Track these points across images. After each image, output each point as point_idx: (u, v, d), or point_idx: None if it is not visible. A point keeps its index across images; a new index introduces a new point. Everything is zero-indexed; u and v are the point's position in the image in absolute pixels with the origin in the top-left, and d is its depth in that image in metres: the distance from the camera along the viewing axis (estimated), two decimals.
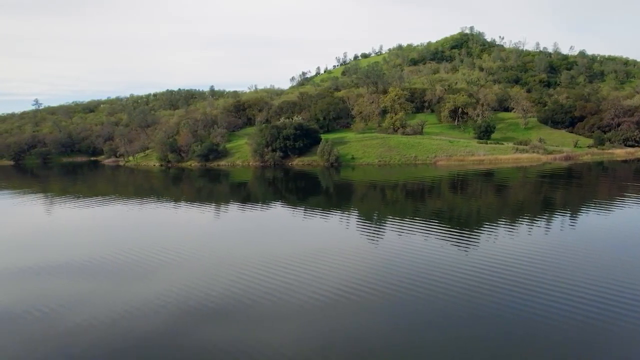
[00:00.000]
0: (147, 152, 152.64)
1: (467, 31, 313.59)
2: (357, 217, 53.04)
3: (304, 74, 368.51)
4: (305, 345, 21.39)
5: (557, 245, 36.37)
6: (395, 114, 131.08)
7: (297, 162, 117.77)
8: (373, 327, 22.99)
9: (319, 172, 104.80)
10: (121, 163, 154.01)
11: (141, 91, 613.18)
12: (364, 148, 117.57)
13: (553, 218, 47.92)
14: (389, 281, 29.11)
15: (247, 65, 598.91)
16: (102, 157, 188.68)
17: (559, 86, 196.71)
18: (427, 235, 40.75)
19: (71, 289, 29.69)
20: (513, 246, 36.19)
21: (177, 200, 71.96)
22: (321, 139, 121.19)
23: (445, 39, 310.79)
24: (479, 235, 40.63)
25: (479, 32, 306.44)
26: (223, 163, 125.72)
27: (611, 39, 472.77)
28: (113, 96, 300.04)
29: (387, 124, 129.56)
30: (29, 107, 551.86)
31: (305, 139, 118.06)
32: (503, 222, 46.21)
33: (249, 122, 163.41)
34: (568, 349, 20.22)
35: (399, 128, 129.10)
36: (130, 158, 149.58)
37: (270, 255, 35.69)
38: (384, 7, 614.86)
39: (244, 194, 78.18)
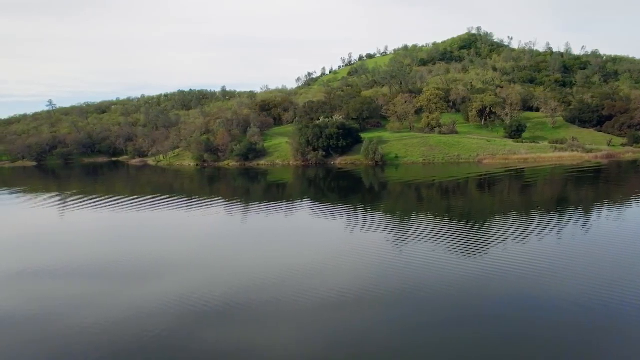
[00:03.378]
0: (176, 151, 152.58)
1: (475, 31, 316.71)
2: (375, 217, 52.81)
3: (309, 74, 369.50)
4: (308, 345, 21.53)
5: (570, 245, 36.72)
6: (431, 113, 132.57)
7: (340, 161, 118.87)
8: (377, 328, 23.03)
9: (363, 170, 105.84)
10: (152, 163, 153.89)
11: (140, 92, 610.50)
12: (405, 147, 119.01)
13: (588, 216, 48.80)
14: (392, 282, 29.23)
15: (247, 65, 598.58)
16: (125, 157, 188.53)
17: (575, 86, 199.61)
18: (437, 235, 40.95)
19: (74, 291, 29.69)
20: (523, 248, 36.34)
21: (211, 199, 72.44)
22: (361, 138, 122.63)
23: (453, 40, 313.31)
24: (491, 236, 40.84)
25: (487, 32, 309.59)
26: (263, 162, 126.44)
27: (609, 39, 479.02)
28: (112, 97, 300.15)
29: (424, 123, 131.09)
30: (28, 108, 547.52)
31: (348, 138, 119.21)
32: (533, 221, 46.59)
33: (275, 121, 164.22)
34: (569, 349, 20.46)
35: (435, 127, 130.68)
36: (162, 157, 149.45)
37: (275, 256, 36.08)
38: (383, 8, 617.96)
39: (279, 194, 78.66)
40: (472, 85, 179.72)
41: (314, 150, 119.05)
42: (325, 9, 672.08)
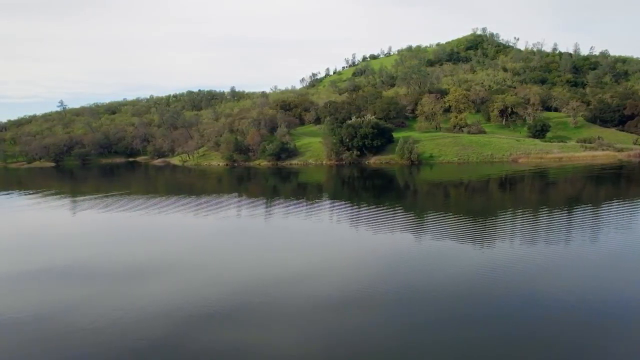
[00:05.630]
0: (200, 151, 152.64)
1: (480, 32, 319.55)
2: (399, 217, 52.48)
3: (314, 74, 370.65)
4: (308, 347, 21.63)
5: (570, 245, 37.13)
6: (460, 113, 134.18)
7: (374, 161, 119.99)
8: (378, 328, 23.17)
9: (398, 170, 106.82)
10: (177, 163, 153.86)
11: (139, 93, 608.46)
12: (438, 147, 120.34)
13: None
14: (394, 282, 29.56)
15: (247, 65, 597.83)
16: (143, 157, 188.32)
17: (587, 86, 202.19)
18: (446, 235, 41.42)
19: (76, 292, 29.72)
20: (523, 248, 36.69)
21: (251, 199, 72.77)
22: (393, 137, 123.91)
23: (459, 40, 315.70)
24: (496, 235, 41.40)
25: (492, 33, 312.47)
26: (295, 162, 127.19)
27: (608, 39, 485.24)
28: (111, 98, 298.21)
29: (452, 123, 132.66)
30: (27, 109, 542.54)
31: (381, 138, 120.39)
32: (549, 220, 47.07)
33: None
34: (568, 349, 20.59)
35: (463, 127, 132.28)
36: (188, 157, 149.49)
37: (281, 257, 36.22)
38: (383, 8, 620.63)
39: (310, 193, 78.94)
40: (489, 86, 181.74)
41: (348, 149, 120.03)
42: (325, 9, 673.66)
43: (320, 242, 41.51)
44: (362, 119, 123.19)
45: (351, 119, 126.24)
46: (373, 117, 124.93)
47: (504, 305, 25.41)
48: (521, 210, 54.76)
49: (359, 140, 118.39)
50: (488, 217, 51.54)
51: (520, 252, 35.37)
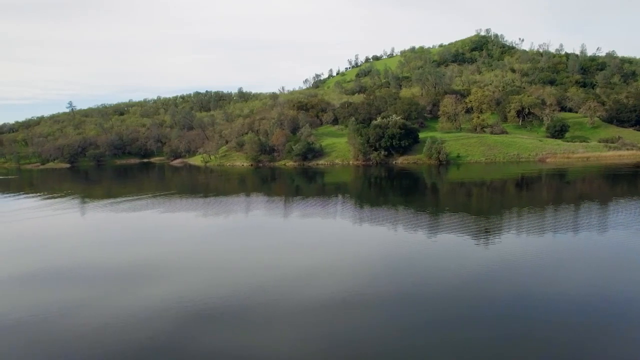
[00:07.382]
0: (220, 151, 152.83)
1: (483, 33, 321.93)
2: (416, 218, 52.13)
3: (317, 75, 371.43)
4: (310, 347, 21.67)
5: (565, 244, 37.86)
6: (482, 113, 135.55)
7: (402, 161, 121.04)
8: (376, 329, 23.18)
9: (426, 170, 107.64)
10: (198, 163, 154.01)
11: (139, 95, 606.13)
12: (464, 147, 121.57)
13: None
14: (394, 282, 29.82)
15: (247, 67, 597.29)
16: (157, 158, 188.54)
17: (597, 86, 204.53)
18: (450, 235, 41.88)
19: (77, 293, 29.70)
20: (520, 247, 37.11)
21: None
22: (418, 137, 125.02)
23: (463, 41, 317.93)
24: (501, 234, 41.76)
25: (497, 34, 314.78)
26: (322, 162, 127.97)
27: (606, 40, 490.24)
28: (109, 100, 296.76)
29: (475, 124, 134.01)
30: (25, 110, 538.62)
31: (408, 138, 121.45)
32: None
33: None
34: (569, 349, 20.57)
35: (485, 127, 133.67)
36: (210, 158, 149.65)
37: (275, 258, 36.47)
38: (383, 9, 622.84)
39: (337, 193, 79.55)
40: (504, 87, 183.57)
41: (375, 150, 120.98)
42: (324, 10, 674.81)
43: (327, 242, 41.80)
44: (388, 119, 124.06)
45: (373, 120, 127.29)
46: (399, 118, 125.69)
47: (506, 305, 25.54)
48: (546, 208, 55.16)
49: (387, 140, 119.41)
50: (510, 215, 51.95)
51: (524, 252, 35.59)
